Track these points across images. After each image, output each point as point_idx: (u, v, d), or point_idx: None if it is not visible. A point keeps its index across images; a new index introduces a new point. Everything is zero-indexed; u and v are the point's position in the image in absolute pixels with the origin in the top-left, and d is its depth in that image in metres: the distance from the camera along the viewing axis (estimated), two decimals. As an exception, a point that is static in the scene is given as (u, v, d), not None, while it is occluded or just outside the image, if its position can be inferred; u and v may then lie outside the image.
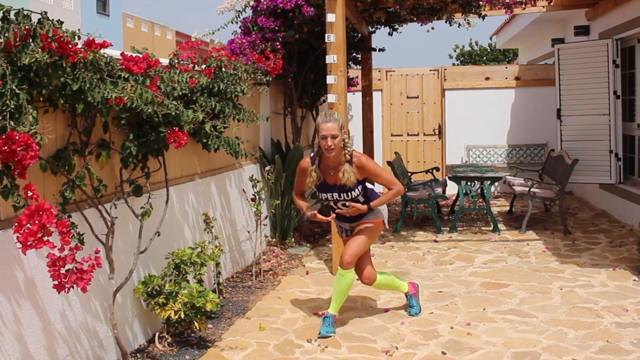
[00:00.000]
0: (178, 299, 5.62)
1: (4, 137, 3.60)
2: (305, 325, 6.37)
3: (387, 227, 6.47)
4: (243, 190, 8.53)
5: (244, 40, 9.20)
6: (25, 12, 4.02)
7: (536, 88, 14.80)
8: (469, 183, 10.91)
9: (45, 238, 3.67)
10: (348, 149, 5.96)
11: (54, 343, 4.60)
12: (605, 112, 11.10)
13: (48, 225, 3.67)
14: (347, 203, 6.13)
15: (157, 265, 6.10)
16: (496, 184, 14.40)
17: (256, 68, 7.75)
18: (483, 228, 10.92)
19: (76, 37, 4.30)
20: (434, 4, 10.59)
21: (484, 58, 37.28)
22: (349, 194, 6.03)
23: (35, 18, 4.12)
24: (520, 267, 8.30)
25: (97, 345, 5.16)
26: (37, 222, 3.62)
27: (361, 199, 6.12)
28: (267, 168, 8.71)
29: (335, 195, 6.11)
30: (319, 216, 6.16)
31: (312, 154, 6.15)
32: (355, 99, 14.00)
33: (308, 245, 9.74)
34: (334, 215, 6.28)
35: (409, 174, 12.23)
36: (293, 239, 9.57)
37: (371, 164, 6.03)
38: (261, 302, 7.12)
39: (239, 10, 9.84)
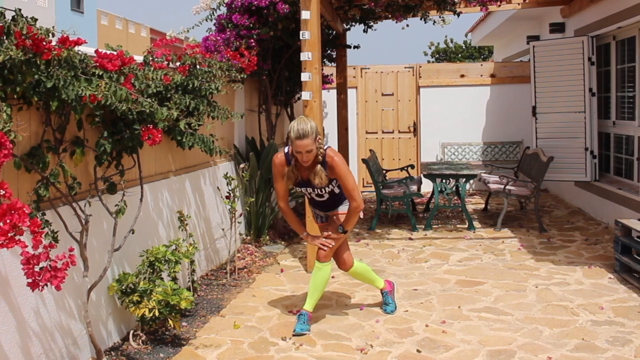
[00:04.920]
0: (152, 297, 5.61)
1: (-23, 135, 3.58)
2: (280, 323, 6.38)
3: (362, 217, 6.46)
4: (217, 187, 8.52)
5: (219, 38, 9.18)
6: (-2, 9, 4.00)
7: (511, 85, 14.88)
8: (444, 180, 10.95)
9: (17, 237, 3.64)
10: (321, 149, 5.95)
11: (28, 341, 4.58)
12: (581, 110, 11.19)
13: (20, 225, 3.64)
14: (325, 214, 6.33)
15: (131, 263, 6.08)
16: (471, 181, 14.51)
17: (231, 65, 7.73)
18: (458, 226, 10.98)
19: (50, 34, 4.28)
20: (409, 1, 10.60)
21: (459, 55, 37.41)
22: (324, 188, 6.08)
23: (9, 15, 4.10)
24: (495, 265, 8.36)
25: (72, 343, 5.14)
26: (8, 221, 3.59)
27: (336, 190, 6.17)
28: (241, 166, 8.70)
29: (310, 189, 6.18)
30: (317, 241, 6.33)
31: (285, 150, 6.12)
32: (330, 97, 14.01)
33: (283, 243, 9.75)
34: (327, 234, 6.31)
35: (384, 172, 12.25)
36: (268, 237, 9.57)
37: (342, 168, 5.97)
38: (236, 300, 7.13)
39: (214, 8, 9.82)
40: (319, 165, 5.94)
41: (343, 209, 6.27)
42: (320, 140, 5.95)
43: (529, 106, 12.17)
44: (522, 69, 14.82)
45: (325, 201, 6.27)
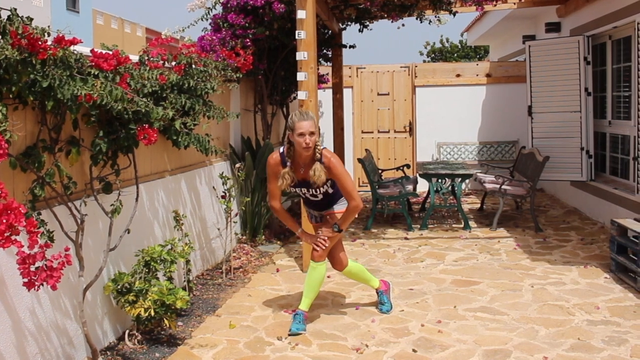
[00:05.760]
0: (148, 297, 5.60)
1: (-28, 134, 3.58)
2: (276, 323, 6.38)
3: (356, 215, 6.46)
4: (213, 187, 8.51)
5: (214, 37, 9.18)
6: (-6, 9, 4.00)
7: (507, 85, 14.91)
8: (439, 180, 10.95)
9: (13, 237, 3.63)
10: (319, 147, 5.98)
11: (23, 341, 4.57)
12: (577, 109, 11.19)
13: (16, 224, 3.63)
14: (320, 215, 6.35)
15: (127, 262, 6.07)
16: (467, 181, 14.47)
17: (226, 65, 7.73)
18: (454, 225, 10.98)
19: (46, 33, 4.28)
20: (405, 1, 10.61)
21: (455, 55, 37.46)
22: (319, 189, 6.08)
23: (4, 15, 4.09)
24: (491, 264, 8.37)
25: (67, 342, 5.13)
26: (4, 221, 3.59)
27: (330, 190, 6.18)
28: (237, 165, 8.70)
29: (304, 189, 6.19)
30: (312, 240, 6.35)
31: (280, 150, 6.14)
32: (325, 96, 14.02)
33: (278, 242, 9.75)
34: (321, 233, 6.31)
35: (380, 171, 12.26)
36: (263, 237, 9.57)
37: (339, 168, 6.00)
38: (231, 300, 7.12)
39: (209, 7, 9.81)
40: (317, 163, 5.94)
41: (338, 208, 6.28)
42: (318, 133, 6.00)
43: (525, 106, 12.18)
44: (518, 68, 14.83)
45: (320, 201, 6.28)
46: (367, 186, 14.36)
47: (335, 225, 6.19)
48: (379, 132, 15.38)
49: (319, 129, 5.99)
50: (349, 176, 6.09)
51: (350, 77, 15.21)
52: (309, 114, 5.95)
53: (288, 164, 6.06)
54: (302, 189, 6.20)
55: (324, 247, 6.22)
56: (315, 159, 5.97)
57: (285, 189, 6.23)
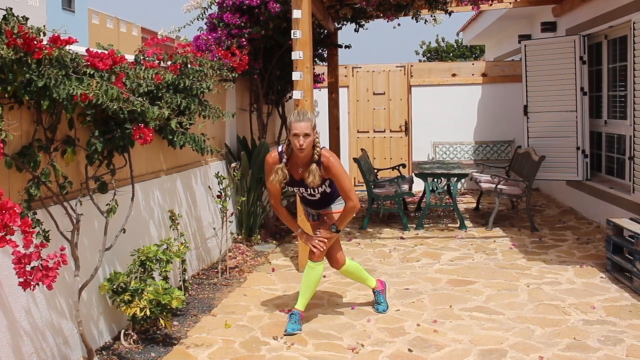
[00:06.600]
0: (144, 296, 5.60)
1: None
2: (271, 323, 6.38)
3: (354, 215, 6.46)
4: (209, 187, 8.51)
5: (210, 37, 9.17)
6: (-11, 9, 3.99)
7: (503, 84, 14.90)
8: (435, 180, 10.96)
9: (8, 237, 3.63)
10: (317, 148, 5.96)
11: (19, 340, 4.57)
12: (572, 109, 11.20)
13: (11, 224, 3.63)
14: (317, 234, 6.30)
15: (122, 262, 6.07)
16: (463, 180, 14.53)
17: (222, 64, 7.72)
18: (450, 225, 10.99)
19: (41, 33, 4.28)
20: (401, 0, 10.61)
21: (451, 54, 37.43)
22: (316, 188, 6.08)
23: (0, 14, 4.09)
24: (487, 264, 8.37)
25: (63, 342, 5.13)
26: (-1, 220, 3.59)
27: (328, 190, 6.17)
28: (233, 165, 8.69)
29: (302, 189, 6.18)
30: (310, 241, 6.34)
31: (279, 149, 6.12)
32: (321, 96, 14.01)
33: (274, 242, 9.75)
34: (320, 233, 6.31)
35: (375, 171, 12.27)
36: (259, 236, 9.56)
37: (337, 169, 5.98)
38: (227, 299, 7.12)
39: (205, 7, 9.81)
40: (314, 164, 5.93)
41: (335, 207, 6.28)
42: (317, 134, 5.98)
43: (521, 105, 12.19)
44: (514, 68, 14.84)
45: (317, 200, 6.27)
46: (362, 186, 14.34)
47: (333, 226, 6.19)
48: (374, 131, 15.38)
49: (317, 131, 5.96)
50: (347, 177, 6.09)
51: (346, 76, 15.20)
52: (306, 115, 5.92)
53: (284, 160, 6.06)
54: (300, 189, 6.20)
55: (322, 249, 6.22)
56: (312, 161, 5.97)
57: (278, 185, 6.21)
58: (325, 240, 6.21)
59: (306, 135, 5.82)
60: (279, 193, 6.31)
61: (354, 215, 6.26)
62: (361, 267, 6.81)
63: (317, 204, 6.35)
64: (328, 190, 6.18)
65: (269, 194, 6.35)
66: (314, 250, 6.22)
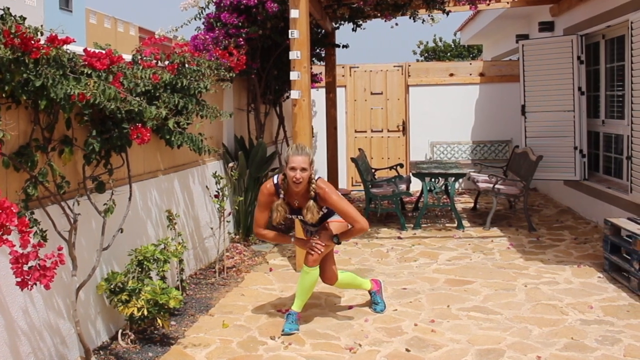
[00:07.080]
0: (141, 296, 5.59)
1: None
2: (269, 322, 6.38)
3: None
4: (206, 186, 8.51)
5: (207, 36, 9.17)
6: (-14, 8, 3.99)
7: (500, 84, 14.91)
8: (433, 179, 10.95)
9: (5, 237, 3.63)
10: (313, 185, 5.98)
11: (16, 340, 4.56)
12: (570, 109, 11.20)
13: (8, 224, 3.63)
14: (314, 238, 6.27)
15: (120, 262, 6.07)
16: (460, 180, 14.51)
17: (219, 64, 7.72)
18: (447, 225, 10.98)
19: (39, 33, 4.27)
20: (398, 0, 10.62)
21: (448, 54, 37.47)
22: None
23: (-3, 14, 4.09)
24: (484, 264, 8.37)
25: (60, 342, 5.13)
26: (-4, 220, 3.59)
27: (325, 210, 6.18)
28: (230, 164, 8.69)
29: (300, 216, 6.18)
30: (306, 246, 6.32)
31: (274, 180, 6.14)
32: (318, 95, 14.02)
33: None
34: (316, 238, 6.30)
35: (373, 171, 12.26)
36: (257, 236, 9.55)
37: (334, 199, 6.00)
38: (224, 299, 7.12)
39: (202, 7, 9.81)
40: (311, 201, 5.97)
41: (335, 217, 6.26)
42: (313, 170, 6.03)
43: (518, 105, 12.20)
44: (511, 67, 14.84)
45: (316, 222, 6.27)
46: (360, 185, 14.36)
47: (336, 237, 6.18)
48: (372, 131, 15.38)
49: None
50: (345, 201, 6.10)
51: (343, 76, 15.20)
52: (304, 150, 5.95)
53: (281, 195, 6.07)
54: (299, 216, 6.21)
55: (319, 253, 6.20)
56: (309, 197, 5.99)
57: (279, 222, 6.23)
58: (323, 244, 6.19)
59: (303, 169, 5.85)
60: (266, 222, 6.29)
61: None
62: (353, 274, 6.79)
63: (316, 224, 6.34)
64: (325, 210, 6.19)
65: (255, 222, 6.32)
66: (312, 253, 6.21)
